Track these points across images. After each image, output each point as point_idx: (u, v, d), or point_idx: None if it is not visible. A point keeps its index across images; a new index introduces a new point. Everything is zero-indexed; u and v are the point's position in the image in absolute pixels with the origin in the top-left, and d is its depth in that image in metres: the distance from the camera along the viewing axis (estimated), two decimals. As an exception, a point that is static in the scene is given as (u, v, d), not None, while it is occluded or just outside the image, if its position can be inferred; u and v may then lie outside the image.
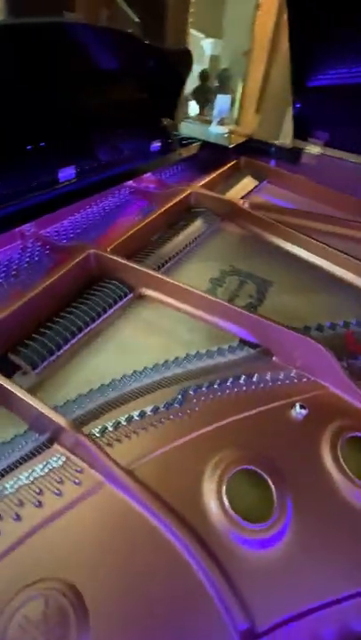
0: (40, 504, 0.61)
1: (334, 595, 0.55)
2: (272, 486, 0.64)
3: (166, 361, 0.86)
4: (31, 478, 0.64)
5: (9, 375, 0.75)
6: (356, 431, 0.73)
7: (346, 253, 1.15)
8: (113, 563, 0.57)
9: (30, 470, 0.65)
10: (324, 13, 1.28)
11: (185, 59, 1.50)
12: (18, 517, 0.60)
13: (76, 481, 0.64)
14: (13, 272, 1.01)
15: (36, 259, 1.08)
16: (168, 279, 0.98)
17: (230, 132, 1.71)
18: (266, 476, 0.65)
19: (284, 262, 1.24)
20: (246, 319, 0.90)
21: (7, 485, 0.63)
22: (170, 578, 0.56)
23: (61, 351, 0.84)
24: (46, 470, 0.65)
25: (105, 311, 0.94)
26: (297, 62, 1.41)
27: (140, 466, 0.66)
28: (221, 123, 1.75)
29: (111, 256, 1.00)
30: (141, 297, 1.02)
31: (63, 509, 0.61)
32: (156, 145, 1.54)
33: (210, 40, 3.83)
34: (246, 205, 1.32)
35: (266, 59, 1.60)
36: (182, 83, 1.55)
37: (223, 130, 1.76)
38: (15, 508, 0.60)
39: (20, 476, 0.64)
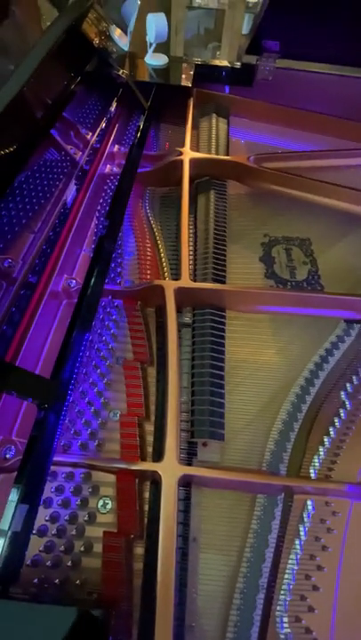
0: (325, 548, 0.71)
1: None
2: None
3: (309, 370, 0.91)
4: (305, 532, 0.72)
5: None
6: None
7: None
8: None
9: (301, 525, 0.72)
10: None
11: None
12: (320, 568, 0.69)
13: (335, 512, 0.74)
14: (110, 346, 0.88)
15: (112, 318, 0.93)
16: (254, 290, 0.97)
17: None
18: None
19: (306, 213, 1.25)
20: (345, 302, 0.96)
21: (297, 546, 0.70)
22: None
23: (223, 409, 0.83)
24: (308, 518, 0.73)
25: (222, 345, 0.91)
26: None
27: (364, 473, 0.78)
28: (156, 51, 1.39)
29: (197, 285, 0.92)
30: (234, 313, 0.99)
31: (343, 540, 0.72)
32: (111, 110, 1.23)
33: None
34: (252, 161, 1.23)
35: None
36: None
37: (162, 59, 1.42)
38: (314, 562, 0.69)
39: (300, 533, 0.71)
